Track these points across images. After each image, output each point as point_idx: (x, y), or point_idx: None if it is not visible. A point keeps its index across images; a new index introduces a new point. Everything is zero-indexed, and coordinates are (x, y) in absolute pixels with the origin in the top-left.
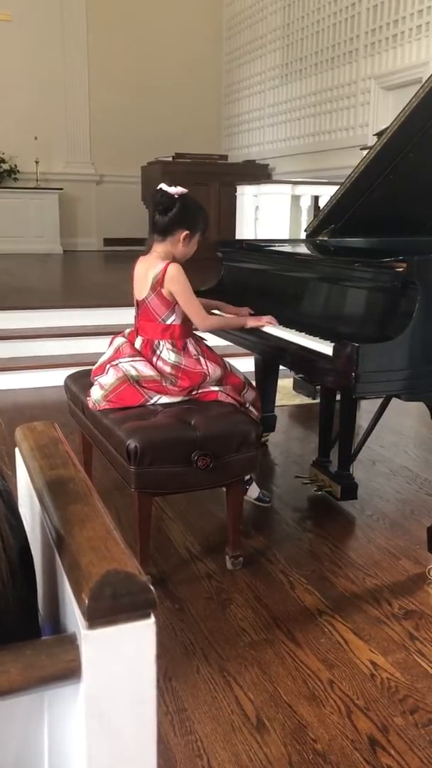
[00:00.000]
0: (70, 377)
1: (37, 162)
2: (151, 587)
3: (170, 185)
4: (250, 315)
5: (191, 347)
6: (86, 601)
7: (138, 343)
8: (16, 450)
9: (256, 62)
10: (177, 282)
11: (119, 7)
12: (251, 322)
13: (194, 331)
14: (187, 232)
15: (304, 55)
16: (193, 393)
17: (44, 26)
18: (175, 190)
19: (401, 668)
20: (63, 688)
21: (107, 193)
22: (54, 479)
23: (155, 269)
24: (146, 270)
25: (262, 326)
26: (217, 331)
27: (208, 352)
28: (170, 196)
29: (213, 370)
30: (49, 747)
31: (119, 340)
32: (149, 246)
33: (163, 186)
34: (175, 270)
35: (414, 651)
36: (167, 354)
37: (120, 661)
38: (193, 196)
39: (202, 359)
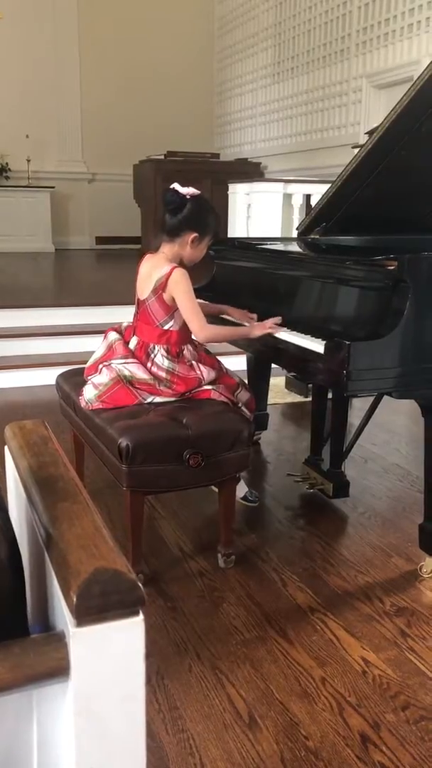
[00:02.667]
0: (62, 376)
1: (28, 160)
2: (140, 585)
3: (183, 185)
4: (251, 319)
5: (187, 353)
6: (75, 599)
7: (133, 343)
8: (5, 448)
9: (247, 60)
10: (180, 287)
11: (111, 5)
12: (256, 332)
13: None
14: (196, 234)
15: (295, 53)
16: (186, 393)
17: (36, 23)
18: (187, 190)
19: (393, 665)
20: (52, 686)
21: (99, 191)
22: (43, 477)
23: (160, 271)
24: (151, 270)
25: (272, 333)
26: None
27: (204, 355)
28: (182, 197)
29: (207, 375)
30: (38, 745)
31: (113, 336)
32: (157, 245)
33: (176, 185)
34: (179, 275)
35: (406, 648)
36: (161, 359)
37: (109, 658)
38: (205, 198)
39: (195, 364)
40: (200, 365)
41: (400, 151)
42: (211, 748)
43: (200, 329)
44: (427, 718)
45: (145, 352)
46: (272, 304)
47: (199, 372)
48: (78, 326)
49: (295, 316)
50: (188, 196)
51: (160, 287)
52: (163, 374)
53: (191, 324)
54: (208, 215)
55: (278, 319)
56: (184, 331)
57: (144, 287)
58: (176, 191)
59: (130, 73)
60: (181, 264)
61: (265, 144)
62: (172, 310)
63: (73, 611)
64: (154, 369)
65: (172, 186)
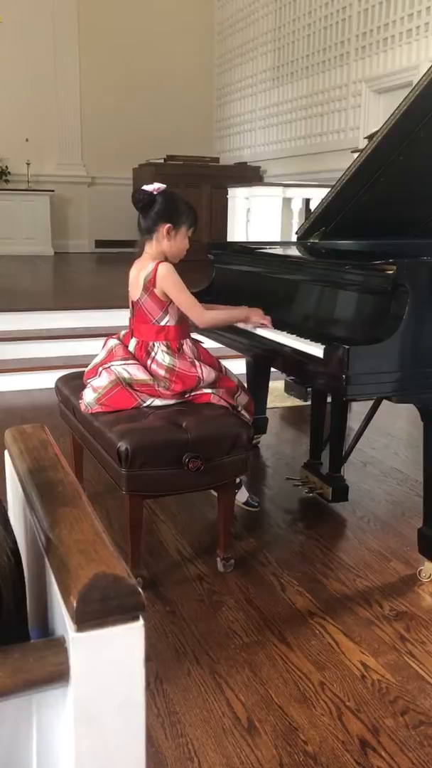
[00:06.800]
0: (61, 379)
1: (28, 164)
2: (140, 590)
3: (183, 189)
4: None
5: (187, 349)
6: (75, 604)
7: (132, 345)
8: (5, 453)
9: (247, 65)
10: (169, 281)
11: (111, 9)
12: (253, 317)
13: (192, 332)
14: (169, 225)
15: (295, 57)
16: (186, 396)
17: (36, 27)
18: (153, 186)
19: (392, 670)
20: (51, 691)
21: (99, 195)
22: (43, 482)
23: (146, 270)
24: (138, 272)
25: (263, 324)
26: (212, 332)
27: (205, 354)
28: (148, 194)
29: (207, 375)
30: (38, 750)
31: (112, 342)
32: (141, 248)
33: (144, 186)
34: (165, 269)
35: (405, 652)
36: (162, 356)
37: (108, 664)
38: (173, 191)
39: (197, 362)
40: (201, 364)
41: (399, 156)
42: (210, 753)
43: (200, 317)
44: (426, 722)
45: (145, 350)
46: (271, 308)
47: (199, 371)
48: (77, 329)
49: (294, 319)
50: (155, 192)
51: (150, 284)
52: (162, 372)
53: (190, 314)
54: (178, 205)
55: (269, 320)
56: (181, 325)
57: (135, 289)
58: (143, 190)
59: (130, 76)
60: (166, 260)
61: (264, 148)
62: (165, 305)
63: (73, 616)
64: (154, 367)
65: (139, 188)
